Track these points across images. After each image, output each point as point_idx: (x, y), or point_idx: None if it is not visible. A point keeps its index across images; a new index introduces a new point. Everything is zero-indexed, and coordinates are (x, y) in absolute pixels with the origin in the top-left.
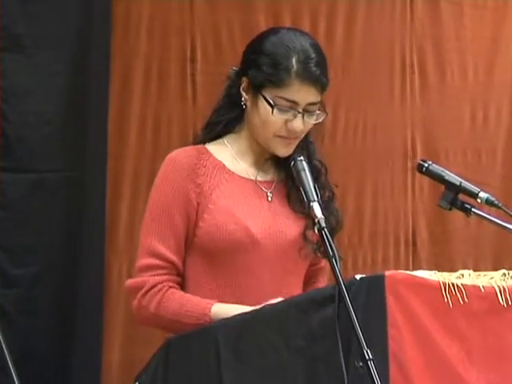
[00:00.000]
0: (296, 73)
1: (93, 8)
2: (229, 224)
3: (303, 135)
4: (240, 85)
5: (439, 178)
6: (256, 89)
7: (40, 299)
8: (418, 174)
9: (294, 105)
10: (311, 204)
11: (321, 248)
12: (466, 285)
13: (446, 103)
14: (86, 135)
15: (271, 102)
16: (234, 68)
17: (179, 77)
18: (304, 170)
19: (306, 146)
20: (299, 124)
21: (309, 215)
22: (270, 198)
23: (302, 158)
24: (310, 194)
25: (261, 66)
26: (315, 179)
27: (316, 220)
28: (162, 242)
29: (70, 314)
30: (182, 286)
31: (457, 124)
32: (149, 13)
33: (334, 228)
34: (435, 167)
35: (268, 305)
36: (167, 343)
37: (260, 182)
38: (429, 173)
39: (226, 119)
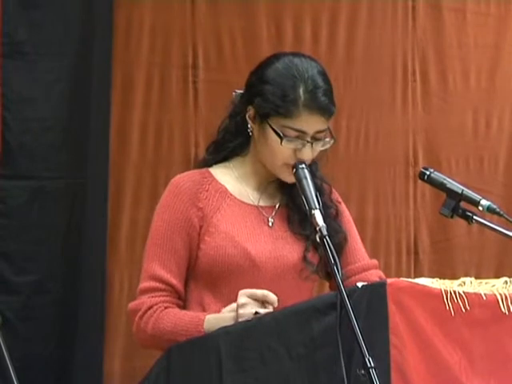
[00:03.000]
0: (304, 104)
1: (94, 15)
2: (228, 247)
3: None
4: (245, 112)
5: (441, 186)
6: (263, 118)
7: (41, 307)
8: (419, 182)
9: (302, 134)
10: (312, 212)
11: (320, 269)
12: (467, 293)
13: (447, 111)
14: (87, 143)
15: (280, 132)
16: (238, 91)
17: (181, 84)
18: (306, 178)
19: (309, 165)
20: (308, 153)
21: (308, 237)
22: (270, 224)
23: (303, 165)
24: (311, 201)
25: (267, 96)
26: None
27: (317, 228)
28: (163, 266)
29: (72, 322)
30: (185, 309)
31: (459, 131)
32: (150, 20)
33: (339, 245)
34: (437, 175)
35: (269, 313)
36: (169, 351)
37: (262, 207)
38: (430, 181)
39: (232, 146)
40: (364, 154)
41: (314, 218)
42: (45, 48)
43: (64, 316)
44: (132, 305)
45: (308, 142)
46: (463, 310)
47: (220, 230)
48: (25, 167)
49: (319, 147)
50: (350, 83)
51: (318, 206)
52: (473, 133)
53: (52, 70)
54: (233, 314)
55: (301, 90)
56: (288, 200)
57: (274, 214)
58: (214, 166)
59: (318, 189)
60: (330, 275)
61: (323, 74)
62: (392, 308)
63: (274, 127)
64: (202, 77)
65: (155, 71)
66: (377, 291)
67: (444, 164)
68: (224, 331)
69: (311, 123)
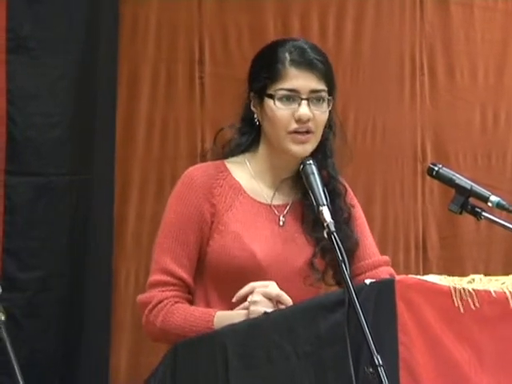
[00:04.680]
0: (290, 61)
1: (100, 10)
2: (235, 249)
3: (317, 131)
4: (250, 105)
5: (449, 182)
6: (260, 94)
7: (46, 304)
8: (428, 178)
9: (295, 94)
10: (320, 208)
11: (326, 276)
12: (476, 290)
13: (456, 105)
14: (93, 138)
15: (272, 94)
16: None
17: (187, 79)
18: (313, 174)
19: (324, 161)
20: (305, 111)
21: (319, 241)
22: (281, 223)
23: (311, 161)
24: (319, 197)
25: (259, 73)
26: (332, 201)
27: (325, 224)
28: (175, 259)
29: (77, 318)
30: (193, 303)
31: (467, 126)
32: (156, 15)
33: (350, 251)
34: (445, 171)
35: (277, 310)
36: (175, 348)
37: (274, 205)
38: (439, 176)
39: (246, 141)
40: (371, 149)
41: (322, 214)
42: (50, 43)
43: (69, 313)
44: (142, 298)
45: (303, 99)
46: (472, 308)
47: (229, 229)
48: (30, 163)
49: (320, 109)
50: (357, 78)
51: (325, 202)
52: (481, 128)
53: (57, 66)
54: (244, 312)
55: (286, 52)
56: (302, 196)
57: (286, 212)
58: (230, 159)
59: (332, 190)
60: (338, 279)
61: (311, 44)
62: (401, 305)
63: (269, 93)
64: (209, 72)
65: (161, 67)
66: (385, 288)
67: (452, 159)
68: (231, 329)
69: (302, 80)
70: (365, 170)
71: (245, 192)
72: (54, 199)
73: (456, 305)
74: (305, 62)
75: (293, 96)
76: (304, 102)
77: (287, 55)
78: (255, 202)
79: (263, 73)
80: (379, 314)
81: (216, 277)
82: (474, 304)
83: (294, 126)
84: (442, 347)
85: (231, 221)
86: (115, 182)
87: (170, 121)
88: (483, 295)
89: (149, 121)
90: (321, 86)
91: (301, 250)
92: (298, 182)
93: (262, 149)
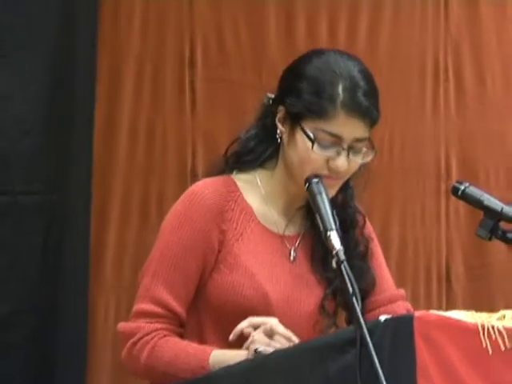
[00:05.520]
0: (342, 103)
1: (77, 4)
2: (246, 288)
3: (347, 177)
4: (275, 114)
5: (477, 203)
6: (294, 120)
7: (12, 344)
8: (452, 198)
9: (337, 140)
10: (328, 233)
11: (337, 320)
12: (508, 328)
13: (485, 115)
14: (68, 149)
15: (311, 135)
16: (270, 94)
17: (176, 83)
18: (320, 194)
19: (343, 189)
20: (343, 163)
21: (331, 280)
22: (292, 258)
23: (318, 179)
24: (327, 221)
25: (301, 94)
26: (347, 231)
27: (334, 252)
28: (171, 289)
29: (49, 361)
30: (184, 338)
31: (498, 140)
32: (142, 8)
33: (365, 289)
34: (473, 190)
35: (279, 350)
36: None
37: (286, 237)
38: (465, 196)
39: (258, 152)
40: (389, 165)
41: (330, 241)
42: (22, 41)
43: (41, 352)
44: (125, 327)
45: (344, 149)
46: (502, 348)
47: (240, 262)
48: None
49: (357, 159)
50: None
51: (334, 227)
52: None
53: (30, 66)
54: (245, 352)
55: (340, 88)
56: (311, 225)
57: (297, 244)
58: (239, 175)
59: (348, 218)
60: (351, 319)
61: (367, 75)
62: (420, 345)
63: (306, 130)
64: (201, 75)
65: (147, 68)
66: (403, 326)
67: (481, 177)
68: (227, 371)
69: (349, 128)
70: (381, 190)
71: (256, 218)
72: (22, 221)
73: (484, 345)
74: (358, 110)
75: (333, 142)
76: (344, 153)
77: (340, 92)
78: (266, 231)
79: (305, 97)
80: (395, 355)
81: (217, 314)
82: (505, 344)
83: (325, 172)
84: None
85: (242, 252)
86: (92, 201)
87: (157, 131)
88: None
89: (132, 131)
90: (366, 133)
91: (311, 292)
92: (311, 211)
93: (278, 170)
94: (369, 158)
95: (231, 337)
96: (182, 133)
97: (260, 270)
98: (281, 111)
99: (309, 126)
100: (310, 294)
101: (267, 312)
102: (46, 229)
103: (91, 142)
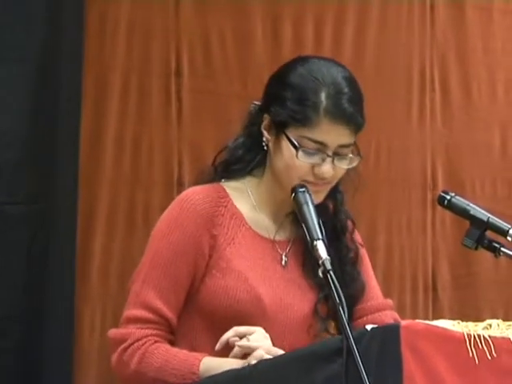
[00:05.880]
0: (325, 110)
1: (62, 12)
2: (240, 291)
3: (334, 183)
4: (261, 123)
5: (463, 213)
6: (279, 128)
7: None
8: (439, 208)
9: (322, 147)
10: (315, 243)
11: (329, 326)
12: (494, 337)
13: (472, 125)
14: (53, 160)
15: (296, 143)
16: (256, 102)
17: (162, 93)
18: (307, 203)
19: (333, 194)
20: (328, 169)
21: (324, 285)
22: (284, 262)
23: (304, 188)
24: (313, 231)
25: (285, 102)
26: (337, 238)
27: (320, 261)
28: (161, 295)
29: (35, 369)
30: (174, 345)
31: (485, 150)
32: (127, 18)
33: (354, 297)
34: (459, 200)
35: (265, 360)
36: None
37: (277, 241)
38: (451, 206)
39: (246, 160)
40: (375, 175)
41: (317, 250)
42: (5, 52)
43: (27, 359)
44: (116, 333)
45: (329, 156)
46: (489, 358)
47: (232, 266)
48: None
49: (343, 165)
50: None
51: (320, 236)
52: (501, 151)
53: (13, 78)
54: (236, 361)
55: (323, 95)
56: (302, 231)
57: (288, 250)
58: (228, 183)
59: (337, 225)
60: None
61: (351, 81)
62: (407, 354)
63: (291, 137)
64: (187, 85)
65: (133, 78)
66: (389, 335)
67: (467, 187)
68: (212, 381)
69: (333, 134)
70: (367, 199)
71: (247, 223)
72: (7, 231)
73: (470, 354)
74: (342, 116)
75: (318, 149)
76: (329, 160)
77: (323, 100)
78: (257, 236)
79: (289, 106)
80: (382, 365)
81: (210, 320)
82: (491, 353)
83: (311, 178)
84: None
85: (234, 257)
86: (78, 212)
87: (143, 142)
88: (501, 343)
89: (118, 141)
90: (351, 140)
91: (304, 296)
92: None
93: (266, 177)
94: (354, 164)
95: (217, 346)
96: (168, 142)
97: (252, 274)
98: (266, 119)
99: (293, 134)
100: (302, 299)
101: (261, 316)
102: (32, 238)
103: (77, 151)
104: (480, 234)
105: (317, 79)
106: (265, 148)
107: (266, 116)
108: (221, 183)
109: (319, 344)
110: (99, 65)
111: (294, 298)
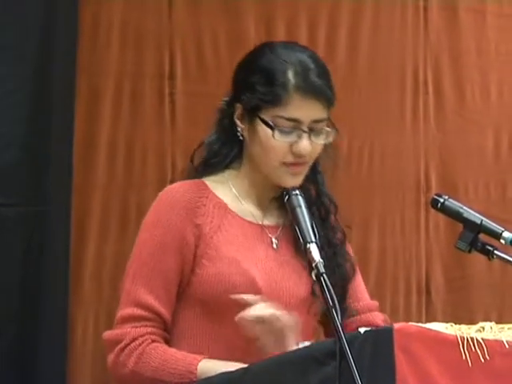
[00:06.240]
0: (295, 86)
1: (56, 16)
2: (233, 275)
3: (312, 161)
4: (233, 114)
5: (457, 216)
6: (252, 113)
7: None
8: (432, 211)
9: (296, 124)
10: (308, 246)
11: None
12: (487, 340)
13: (465, 128)
14: (47, 163)
15: (271, 123)
16: (225, 99)
17: (155, 96)
18: (300, 207)
19: (313, 176)
20: (306, 145)
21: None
22: (275, 245)
23: (297, 191)
24: (306, 234)
25: (254, 86)
26: (324, 219)
27: (314, 264)
28: (150, 290)
29: (29, 373)
30: (172, 342)
31: (478, 152)
32: (120, 21)
33: (346, 276)
34: (452, 203)
35: (258, 362)
36: None
37: (265, 226)
38: (445, 209)
39: (223, 154)
40: (368, 177)
41: (310, 253)
42: None
43: (20, 363)
44: (111, 334)
45: (304, 131)
46: (482, 360)
47: (222, 253)
48: None
49: (319, 140)
50: (351, 95)
51: (314, 239)
52: (494, 154)
53: (7, 80)
54: (234, 364)
55: (290, 73)
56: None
57: (278, 234)
58: (208, 178)
59: (322, 207)
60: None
61: (317, 59)
62: (400, 357)
63: (265, 119)
64: (180, 88)
65: (126, 81)
66: (382, 338)
67: (461, 190)
68: (207, 383)
69: (305, 109)
70: (361, 202)
71: (232, 211)
72: (2, 234)
73: (464, 357)
74: (311, 90)
75: (293, 126)
76: (305, 136)
77: (291, 78)
78: (245, 222)
79: (259, 89)
80: (375, 368)
81: (206, 307)
82: (484, 356)
83: (291, 159)
84: None
85: (222, 244)
86: (72, 215)
87: (136, 144)
88: (494, 346)
89: (111, 144)
90: (324, 114)
91: (299, 277)
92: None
93: (244, 168)
94: (331, 139)
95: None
96: (162, 145)
97: (243, 257)
98: (238, 108)
99: (267, 116)
100: (298, 280)
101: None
102: (26, 241)
103: (71, 155)
104: (473, 237)
105: (283, 60)
106: (240, 138)
107: (237, 106)
108: (202, 179)
109: (313, 346)
110: (92, 67)
111: (290, 281)
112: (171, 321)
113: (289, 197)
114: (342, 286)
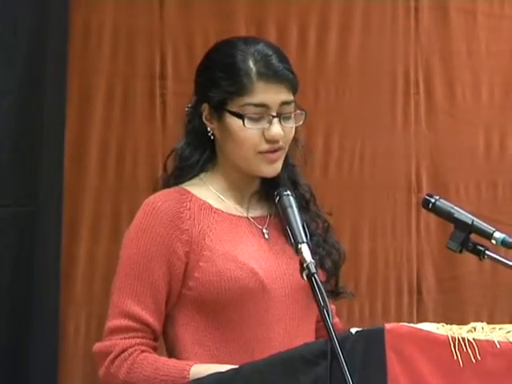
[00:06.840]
0: (257, 73)
1: (47, 16)
2: (234, 270)
3: (287, 146)
4: (201, 116)
5: (448, 216)
6: (220, 108)
7: None
8: (423, 211)
9: (265, 109)
10: (299, 246)
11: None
12: (478, 340)
13: (456, 128)
14: (38, 164)
15: (240, 112)
16: (189, 105)
17: (147, 97)
18: (291, 207)
19: (289, 170)
20: (278, 129)
21: (313, 252)
22: (266, 236)
23: (288, 192)
24: (297, 234)
25: (218, 82)
26: (305, 209)
27: (305, 265)
28: (137, 300)
29: (20, 375)
30: (172, 351)
31: (469, 153)
32: (112, 22)
33: (337, 262)
34: (443, 203)
35: (249, 363)
36: None
37: (252, 217)
38: (436, 209)
39: (196, 158)
40: (359, 178)
41: (301, 253)
42: None
43: (10, 366)
44: (100, 347)
45: (274, 116)
46: (473, 361)
47: (217, 251)
48: None
49: (290, 124)
50: (342, 96)
51: (305, 240)
52: (485, 154)
53: None
54: (228, 366)
55: (251, 62)
56: (278, 210)
57: (266, 224)
58: (185, 183)
59: (304, 195)
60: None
61: (273, 46)
62: (391, 357)
63: (234, 110)
64: (172, 89)
65: (117, 82)
66: (374, 338)
67: (452, 190)
68: None
69: (271, 93)
70: (351, 202)
71: (217, 209)
72: None
73: (455, 357)
74: (274, 74)
75: (262, 113)
76: (275, 120)
77: (252, 66)
78: (232, 217)
79: (223, 83)
80: (366, 368)
81: (207, 309)
82: (476, 356)
83: (265, 146)
84: None
85: (215, 243)
86: (63, 215)
87: (127, 145)
88: (485, 346)
89: (102, 145)
90: (290, 96)
91: (296, 263)
92: (269, 194)
93: (220, 168)
94: (301, 122)
95: None
96: (153, 147)
97: (239, 251)
98: (205, 109)
99: (234, 107)
100: (295, 266)
101: (261, 289)
102: (17, 242)
103: (62, 156)
104: (464, 237)
105: (243, 51)
106: (211, 138)
107: (204, 106)
108: (181, 185)
109: (304, 347)
110: (83, 68)
111: (288, 268)
112: (170, 339)
113: (280, 197)
114: (334, 272)
